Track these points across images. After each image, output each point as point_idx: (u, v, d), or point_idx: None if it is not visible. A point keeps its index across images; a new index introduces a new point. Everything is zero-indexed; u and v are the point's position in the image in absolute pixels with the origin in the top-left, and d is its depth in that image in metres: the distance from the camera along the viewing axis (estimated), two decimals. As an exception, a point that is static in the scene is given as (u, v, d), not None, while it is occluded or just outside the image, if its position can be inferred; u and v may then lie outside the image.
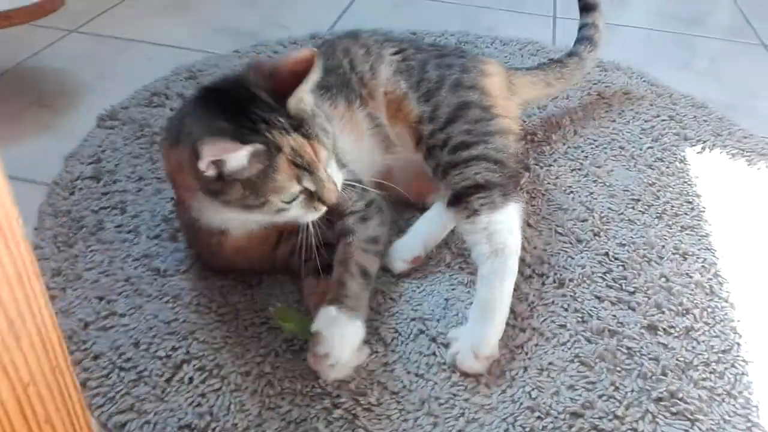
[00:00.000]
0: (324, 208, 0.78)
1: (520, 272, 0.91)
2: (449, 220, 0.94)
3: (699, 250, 0.99)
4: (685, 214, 1.06)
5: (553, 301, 0.89)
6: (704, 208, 1.08)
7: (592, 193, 1.09)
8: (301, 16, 1.71)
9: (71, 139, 1.16)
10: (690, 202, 1.09)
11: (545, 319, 0.86)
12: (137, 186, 1.04)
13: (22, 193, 1.05)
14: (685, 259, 0.97)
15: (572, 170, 1.15)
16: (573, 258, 0.96)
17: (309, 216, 0.78)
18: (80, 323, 0.81)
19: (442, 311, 0.86)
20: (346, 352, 0.76)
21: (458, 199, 0.88)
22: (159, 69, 1.39)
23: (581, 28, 1.30)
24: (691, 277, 0.94)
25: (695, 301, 0.90)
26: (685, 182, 1.13)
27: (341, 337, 0.76)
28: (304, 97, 0.77)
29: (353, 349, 0.77)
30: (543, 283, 0.91)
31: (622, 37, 1.74)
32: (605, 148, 1.21)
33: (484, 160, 0.91)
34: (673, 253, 0.98)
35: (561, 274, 0.93)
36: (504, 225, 0.85)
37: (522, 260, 0.94)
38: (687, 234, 1.02)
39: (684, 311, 0.89)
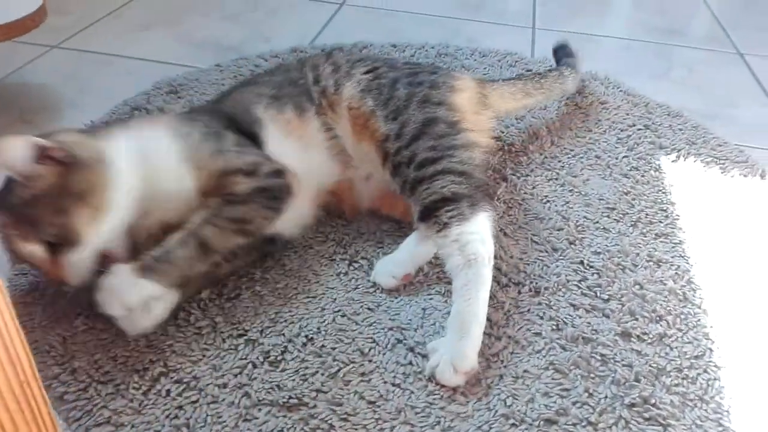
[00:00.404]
0: None
1: (497, 281, 0.93)
2: (422, 237, 0.94)
3: (673, 257, 1.01)
4: (660, 221, 1.08)
5: (528, 309, 0.90)
6: (678, 215, 1.10)
7: (567, 203, 1.11)
8: (284, 30, 1.73)
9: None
10: (664, 210, 1.11)
11: (521, 328, 0.87)
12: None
13: None
14: (659, 266, 0.99)
15: (549, 180, 1.16)
16: (549, 266, 0.97)
17: None
18: (59, 338, 0.81)
19: (419, 320, 0.87)
20: (115, 307, 0.78)
21: (427, 214, 0.88)
22: (140, 84, 1.39)
23: (559, 60, 1.39)
24: (664, 284, 0.96)
25: (668, 308, 0.92)
26: (660, 190, 1.15)
27: (113, 293, 0.78)
28: None
29: (124, 304, 0.78)
30: (519, 292, 0.93)
31: (602, 48, 1.77)
32: (581, 157, 1.23)
33: (450, 173, 0.91)
34: (647, 261, 1.00)
35: (537, 283, 0.94)
36: (475, 235, 0.85)
37: (498, 269, 0.95)
38: (661, 242, 1.04)
39: (657, 318, 0.90)
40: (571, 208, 1.10)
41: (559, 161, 1.21)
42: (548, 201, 1.11)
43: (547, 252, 1.00)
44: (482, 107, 1.07)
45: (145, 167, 0.86)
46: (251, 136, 0.96)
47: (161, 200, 0.86)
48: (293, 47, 1.58)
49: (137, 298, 0.78)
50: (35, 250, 0.78)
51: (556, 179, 1.17)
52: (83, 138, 0.86)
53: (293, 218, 0.96)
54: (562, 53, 1.41)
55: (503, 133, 1.27)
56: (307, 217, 1.01)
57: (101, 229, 0.80)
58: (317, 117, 1.02)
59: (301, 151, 0.98)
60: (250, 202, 0.88)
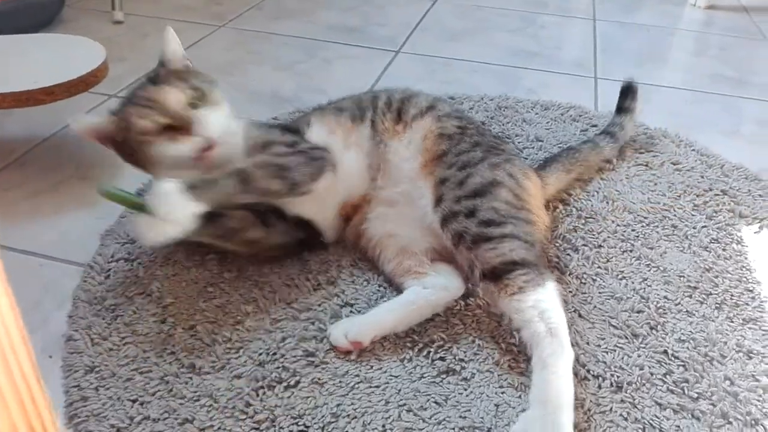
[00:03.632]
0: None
1: (574, 372, 0.86)
2: (439, 303, 0.94)
3: (764, 347, 0.92)
4: (746, 304, 1.00)
5: (611, 409, 0.83)
6: (766, 297, 1.01)
7: (645, 279, 1.03)
8: (338, 80, 1.71)
9: (109, 215, 1.15)
10: (750, 291, 1.02)
11: (604, 431, 0.80)
12: (172, 270, 1.01)
13: (57, 275, 1.05)
14: (750, 358, 0.91)
15: (623, 252, 1.09)
16: (630, 356, 0.90)
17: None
18: (112, 429, 0.78)
19: (492, 419, 0.81)
20: (160, 212, 0.82)
21: (496, 276, 0.88)
22: (197, 137, 1.38)
23: (609, 124, 1.35)
24: (757, 380, 0.87)
25: (765, 410, 0.83)
26: (744, 267, 1.07)
27: (168, 203, 0.83)
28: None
29: (177, 213, 0.83)
30: (599, 386, 0.85)
31: (667, 99, 1.69)
32: (656, 226, 1.15)
33: (517, 239, 0.91)
34: (737, 351, 0.91)
35: (618, 376, 0.87)
36: (552, 303, 0.86)
37: (576, 359, 0.88)
38: (749, 328, 0.95)
39: (753, 422, 0.82)
40: (650, 286, 1.02)
41: (633, 230, 1.14)
42: (624, 277, 1.04)
43: (626, 338, 0.93)
44: (542, 201, 1.07)
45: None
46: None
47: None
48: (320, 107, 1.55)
49: (186, 215, 0.83)
50: (181, 95, 0.93)
51: (631, 251, 1.09)
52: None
53: (323, 210, 1.02)
54: (623, 100, 1.36)
55: (571, 195, 1.21)
56: (333, 218, 1.04)
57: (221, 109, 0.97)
58: (371, 127, 1.07)
59: (340, 150, 1.03)
60: (295, 154, 0.97)
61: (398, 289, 0.98)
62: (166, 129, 0.91)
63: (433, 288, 0.94)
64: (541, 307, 0.85)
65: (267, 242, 1.00)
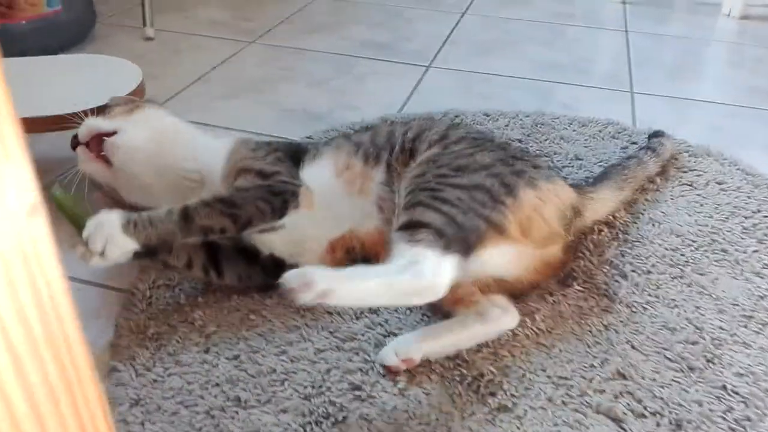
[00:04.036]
0: None
1: (631, 410, 0.83)
2: (491, 331, 0.92)
3: (829, 381, 0.89)
4: (806, 334, 0.96)
5: (671, 448, 0.80)
6: (827, 326, 0.97)
7: (698, 308, 1.00)
8: (370, 97, 1.69)
9: (146, 239, 1.14)
10: (809, 319, 0.99)
11: (665, 472, 0.77)
12: (213, 297, 1.00)
13: (97, 301, 1.04)
14: (814, 392, 0.87)
15: (673, 278, 1.06)
16: (687, 391, 0.87)
17: None
18: None
19: (547, 459, 0.78)
20: (97, 244, 0.84)
21: (403, 228, 0.87)
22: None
23: (649, 139, 1.36)
24: (824, 416, 0.84)
25: (834, 449, 0.80)
26: (801, 294, 1.03)
27: (105, 237, 0.84)
28: None
29: (109, 248, 0.84)
30: (657, 424, 0.82)
31: (705, 114, 1.66)
32: (706, 250, 1.12)
33: (447, 218, 0.86)
34: (800, 386, 0.88)
35: (677, 413, 0.83)
36: (438, 263, 0.82)
37: (631, 394, 0.85)
38: (811, 360, 0.92)
39: (822, 462, 0.78)
40: (703, 315, 0.99)
41: (682, 254, 1.11)
42: (676, 305, 1.00)
43: (683, 372, 0.90)
44: (559, 221, 0.96)
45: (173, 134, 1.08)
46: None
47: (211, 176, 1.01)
48: (383, 116, 1.54)
49: (118, 252, 0.85)
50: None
51: (682, 277, 1.06)
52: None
53: (308, 249, 0.98)
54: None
55: (616, 218, 1.18)
56: (324, 257, 0.98)
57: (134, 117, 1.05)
58: (386, 168, 1.00)
59: (342, 194, 0.99)
60: (250, 190, 0.93)
61: (446, 317, 0.95)
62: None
63: (487, 315, 0.91)
64: (420, 257, 0.81)
65: (218, 283, 0.99)
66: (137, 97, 1.23)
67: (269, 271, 0.96)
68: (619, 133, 1.49)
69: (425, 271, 0.81)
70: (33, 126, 1.13)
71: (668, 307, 1.00)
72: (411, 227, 0.86)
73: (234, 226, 0.90)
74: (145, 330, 0.94)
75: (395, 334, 0.94)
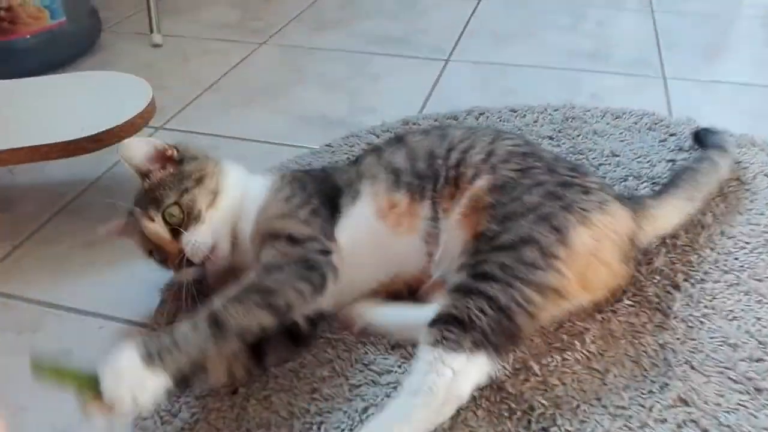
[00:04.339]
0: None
1: (697, 441, 0.76)
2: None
3: None
4: None
5: (745, 485, 0.73)
6: None
7: (759, 319, 0.92)
8: (388, 97, 1.62)
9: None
10: None
11: None
12: (239, 328, 0.94)
13: (118, 339, 0.96)
14: None
15: (729, 286, 0.98)
16: (756, 416, 0.79)
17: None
18: None
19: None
20: (140, 399, 0.71)
21: (437, 321, 0.79)
22: (252, 169, 1.30)
23: (694, 138, 1.29)
24: None
25: None
26: None
27: (130, 385, 0.70)
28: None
29: (137, 395, 0.70)
30: (727, 457, 0.76)
31: (741, 97, 1.57)
32: (761, 252, 1.04)
33: (493, 304, 0.78)
34: None
35: (748, 444, 0.77)
36: (453, 373, 0.75)
37: (695, 422, 0.78)
38: None
39: None
40: (766, 327, 0.91)
41: (736, 258, 1.03)
42: (735, 317, 0.93)
43: (749, 394, 0.82)
44: (620, 258, 0.88)
45: (240, 193, 0.95)
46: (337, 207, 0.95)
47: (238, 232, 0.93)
48: (404, 119, 1.46)
49: (151, 397, 0.72)
50: (159, 229, 0.89)
51: (738, 284, 0.98)
52: (197, 147, 1.00)
53: (354, 296, 0.92)
54: (704, 138, 1.26)
55: (660, 222, 1.10)
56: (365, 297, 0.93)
57: (216, 210, 0.91)
58: (431, 204, 0.92)
59: (392, 235, 0.91)
60: (284, 269, 0.82)
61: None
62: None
63: None
64: (437, 367, 0.75)
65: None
66: (148, 116, 1.17)
67: (308, 334, 0.91)
68: (656, 124, 1.40)
69: (437, 391, 0.74)
70: (41, 154, 1.08)
71: (727, 319, 0.93)
72: (444, 322, 0.78)
73: (274, 319, 0.79)
74: (169, 370, 0.88)
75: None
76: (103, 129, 1.09)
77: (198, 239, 0.88)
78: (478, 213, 0.89)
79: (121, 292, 1.05)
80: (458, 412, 0.80)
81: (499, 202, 0.88)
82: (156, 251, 0.93)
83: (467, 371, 0.76)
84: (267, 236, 0.88)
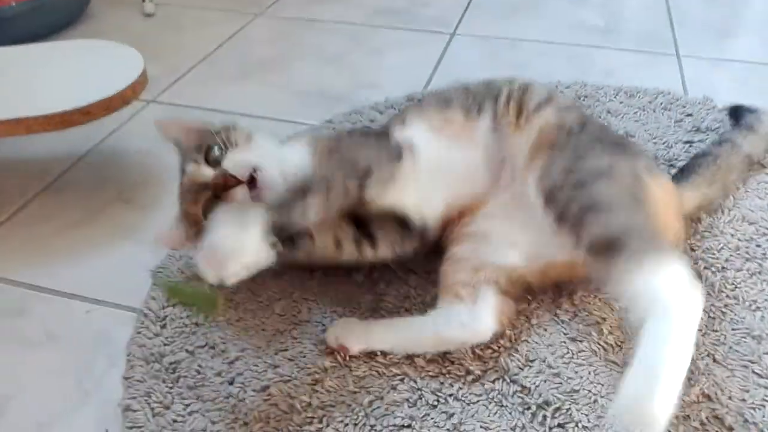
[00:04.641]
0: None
1: (722, 439, 0.72)
2: (452, 340, 0.83)
3: None
4: None
5: (773, 487, 0.69)
6: None
7: (784, 310, 0.88)
8: (392, 72, 1.55)
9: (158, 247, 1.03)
10: None
11: None
12: (235, 315, 0.89)
13: (108, 323, 0.90)
14: None
15: (751, 275, 0.93)
16: (784, 413, 0.75)
17: None
18: None
19: None
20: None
21: (607, 248, 0.72)
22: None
23: (730, 116, 1.22)
24: None
25: None
26: None
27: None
28: None
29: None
30: (755, 457, 0.71)
31: (759, 77, 1.50)
32: (784, 239, 0.99)
33: (629, 221, 0.74)
34: None
35: (776, 443, 0.72)
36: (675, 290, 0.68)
37: (719, 418, 0.74)
38: None
39: None
40: (791, 318, 0.87)
41: (758, 245, 0.98)
42: (758, 308, 0.88)
43: (776, 389, 0.78)
44: (677, 210, 0.88)
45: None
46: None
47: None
48: (408, 95, 1.40)
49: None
50: (205, 170, 0.81)
51: (760, 273, 0.93)
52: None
53: (426, 200, 0.90)
54: (739, 115, 1.19)
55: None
56: (439, 214, 0.90)
57: (255, 142, 0.86)
58: (492, 116, 0.92)
59: (448, 148, 0.91)
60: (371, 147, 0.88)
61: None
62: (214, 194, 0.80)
63: (451, 321, 0.82)
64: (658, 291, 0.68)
65: (370, 259, 0.91)
66: (140, 88, 1.10)
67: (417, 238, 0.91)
68: (671, 103, 1.34)
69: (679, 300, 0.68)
70: (25, 127, 1.01)
71: (750, 310, 0.88)
72: (610, 248, 0.73)
73: (359, 183, 0.83)
74: (161, 358, 0.83)
75: (442, 356, 0.82)
76: (92, 101, 1.03)
77: (238, 157, 0.82)
78: (545, 149, 0.85)
79: (110, 275, 0.99)
80: (469, 405, 0.76)
81: (567, 141, 0.86)
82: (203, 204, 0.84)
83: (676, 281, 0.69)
84: (331, 150, 0.88)
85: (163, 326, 0.88)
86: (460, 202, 0.90)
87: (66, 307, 0.94)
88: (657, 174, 0.88)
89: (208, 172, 0.81)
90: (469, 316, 0.82)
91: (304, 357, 0.83)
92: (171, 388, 0.80)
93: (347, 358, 0.82)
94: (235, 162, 0.80)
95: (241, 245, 0.71)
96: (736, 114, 1.20)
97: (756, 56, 1.59)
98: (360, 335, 0.83)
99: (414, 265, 0.96)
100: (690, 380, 0.78)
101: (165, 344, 0.85)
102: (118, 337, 0.88)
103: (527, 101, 0.92)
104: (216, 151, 0.82)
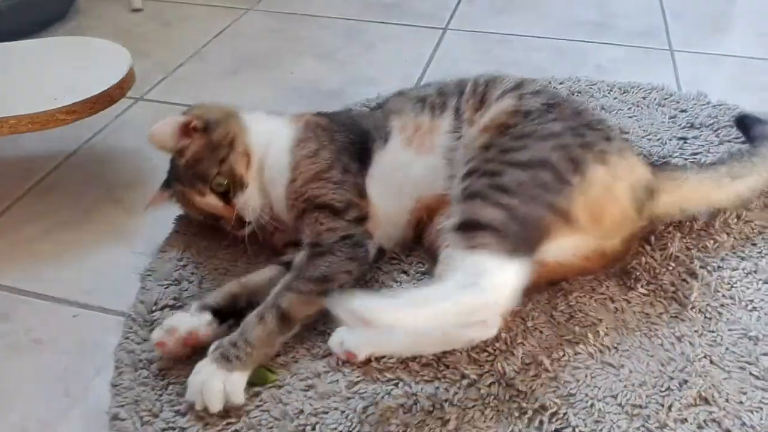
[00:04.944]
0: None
1: (719, 443, 0.71)
2: (471, 337, 0.82)
3: None
4: None
5: (771, 491, 0.68)
6: None
7: (781, 309, 0.87)
8: (385, 67, 1.53)
9: (148, 248, 1.01)
10: None
11: None
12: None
13: (95, 328, 0.89)
14: None
15: (747, 274, 0.92)
16: (782, 415, 0.75)
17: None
18: None
19: None
20: (213, 403, 0.74)
21: (459, 229, 0.78)
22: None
23: (737, 124, 1.21)
24: None
25: None
26: None
27: (207, 392, 0.74)
28: None
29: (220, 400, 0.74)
30: (751, 460, 0.71)
31: (756, 75, 1.49)
32: (780, 237, 0.98)
33: (510, 213, 0.77)
34: None
35: (774, 446, 0.72)
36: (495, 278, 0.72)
37: (717, 422, 0.73)
38: None
39: None
40: (788, 318, 0.86)
41: (754, 244, 0.97)
42: (755, 308, 0.87)
43: (774, 391, 0.77)
44: (632, 202, 0.84)
45: (265, 144, 0.95)
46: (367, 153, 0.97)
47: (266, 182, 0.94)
48: (401, 91, 1.38)
49: (236, 395, 0.75)
50: (211, 200, 0.92)
51: (756, 272, 0.93)
52: (213, 104, 1.00)
53: (390, 233, 0.95)
54: (749, 126, 1.16)
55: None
56: (404, 228, 0.96)
57: (254, 169, 0.93)
58: (454, 113, 0.95)
59: (414, 158, 0.94)
60: (334, 253, 0.85)
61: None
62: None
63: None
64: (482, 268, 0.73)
65: None
66: (126, 86, 1.08)
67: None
68: (665, 99, 1.33)
69: (485, 287, 0.72)
70: (9, 127, 0.99)
71: (746, 310, 0.87)
72: (468, 228, 0.77)
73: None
74: (149, 365, 0.81)
75: (437, 359, 0.81)
76: (78, 99, 1.00)
77: (249, 202, 0.91)
78: (497, 128, 0.88)
79: (97, 278, 0.97)
80: (464, 411, 0.75)
81: (520, 124, 0.87)
82: (208, 216, 0.96)
83: (509, 274, 0.73)
84: (306, 203, 0.91)
85: (152, 331, 0.86)
86: (424, 204, 0.93)
87: (52, 312, 0.92)
88: (627, 159, 0.86)
89: (215, 202, 0.92)
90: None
91: (297, 363, 0.82)
92: (160, 395, 0.78)
93: (355, 366, 0.80)
94: (247, 208, 0.91)
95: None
96: (743, 123, 1.18)
97: (749, 51, 1.58)
98: (366, 342, 0.81)
99: (407, 265, 0.95)
100: (687, 382, 0.78)
101: (153, 350, 0.83)
102: (105, 343, 0.87)
103: (490, 93, 0.95)
104: (222, 186, 0.91)
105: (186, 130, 0.93)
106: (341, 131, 0.98)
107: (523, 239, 0.76)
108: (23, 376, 0.83)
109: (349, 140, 0.97)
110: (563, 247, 0.84)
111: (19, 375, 0.84)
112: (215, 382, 0.73)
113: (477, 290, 0.71)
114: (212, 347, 0.77)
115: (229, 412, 0.75)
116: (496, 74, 1.00)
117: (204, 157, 0.91)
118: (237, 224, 0.92)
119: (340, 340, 0.81)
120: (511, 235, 0.75)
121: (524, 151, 0.83)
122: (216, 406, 0.73)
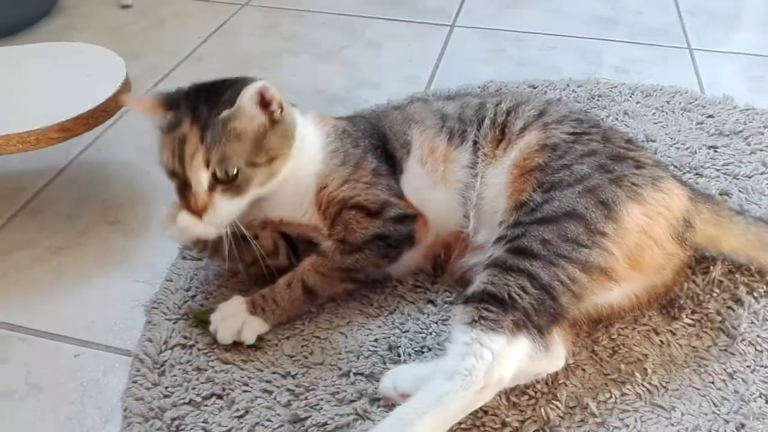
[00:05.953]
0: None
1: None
2: (530, 371, 0.76)
3: None
4: None
5: None
6: None
7: (835, 340, 0.82)
8: (390, 68, 1.46)
9: (151, 275, 0.93)
10: None
11: None
12: (239, 356, 0.81)
13: (99, 369, 0.81)
14: None
15: (796, 300, 0.87)
16: None
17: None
18: None
19: None
20: (226, 334, 0.81)
21: (471, 300, 0.73)
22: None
23: None
24: None
25: None
26: None
27: (225, 321, 0.82)
28: None
29: (233, 336, 0.81)
30: None
31: (762, 70, 1.44)
32: (826, 258, 0.93)
33: (535, 282, 0.72)
34: None
35: None
36: (493, 356, 0.68)
37: (780, 473, 0.68)
38: None
39: None
40: (844, 350, 0.81)
41: (799, 266, 0.92)
42: (808, 338, 0.82)
43: (837, 436, 0.72)
44: (672, 238, 0.79)
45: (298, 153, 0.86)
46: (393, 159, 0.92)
47: (286, 192, 0.86)
48: (411, 95, 1.31)
49: (249, 334, 0.82)
50: (202, 176, 0.78)
51: (804, 298, 0.88)
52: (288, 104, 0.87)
53: (405, 264, 0.91)
54: None
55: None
56: (421, 261, 0.92)
57: (261, 189, 0.83)
58: (472, 148, 0.89)
59: (430, 186, 0.89)
60: (364, 250, 0.85)
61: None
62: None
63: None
64: (475, 350, 0.68)
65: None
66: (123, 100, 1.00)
67: None
68: (690, 104, 1.27)
69: (477, 375, 0.68)
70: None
71: (798, 340, 0.82)
72: (480, 300, 0.72)
73: (357, 286, 0.88)
74: (162, 414, 0.74)
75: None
76: (71, 116, 0.92)
77: (223, 218, 0.80)
78: (525, 177, 0.82)
79: (97, 311, 0.90)
80: (509, 465, 0.69)
81: (549, 166, 0.82)
82: (174, 176, 0.81)
83: (508, 354, 0.69)
84: (337, 204, 0.87)
85: (162, 373, 0.79)
86: (440, 240, 0.90)
87: (50, 351, 0.85)
88: (662, 189, 0.80)
89: (203, 183, 0.79)
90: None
91: (321, 408, 0.75)
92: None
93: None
94: (214, 222, 0.80)
95: None
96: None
97: (763, 49, 1.52)
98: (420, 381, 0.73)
99: (433, 294, 0.89)
100: (744, 426, 0.72)
101: (165, 395, 0.76)
102: (110, 386, 0.80)
103: (511, 123, 0.89)
104: (225, 176, 0.80)
105: (265, 103, 0.81)
106: (364, 135, 0.93)
107: (541, 312, 0.71)
108: (18, 426, 0.76)
109: (372, 145, 0.92)
110: (608, 297, 0.79)
111: (14, 424, 0.76)
112: (235, 321, 0.81)
113: (466, 382, 0.68)
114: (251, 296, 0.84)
115: None
116: (516, 92, 0.94)
117: (248, 140, 0.79)
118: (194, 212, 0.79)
119: (392, 384, 0.75)
120: (526, 307, 0.70)
121: (550, 205, 0.77)
122: (227, 339, 0.81)
